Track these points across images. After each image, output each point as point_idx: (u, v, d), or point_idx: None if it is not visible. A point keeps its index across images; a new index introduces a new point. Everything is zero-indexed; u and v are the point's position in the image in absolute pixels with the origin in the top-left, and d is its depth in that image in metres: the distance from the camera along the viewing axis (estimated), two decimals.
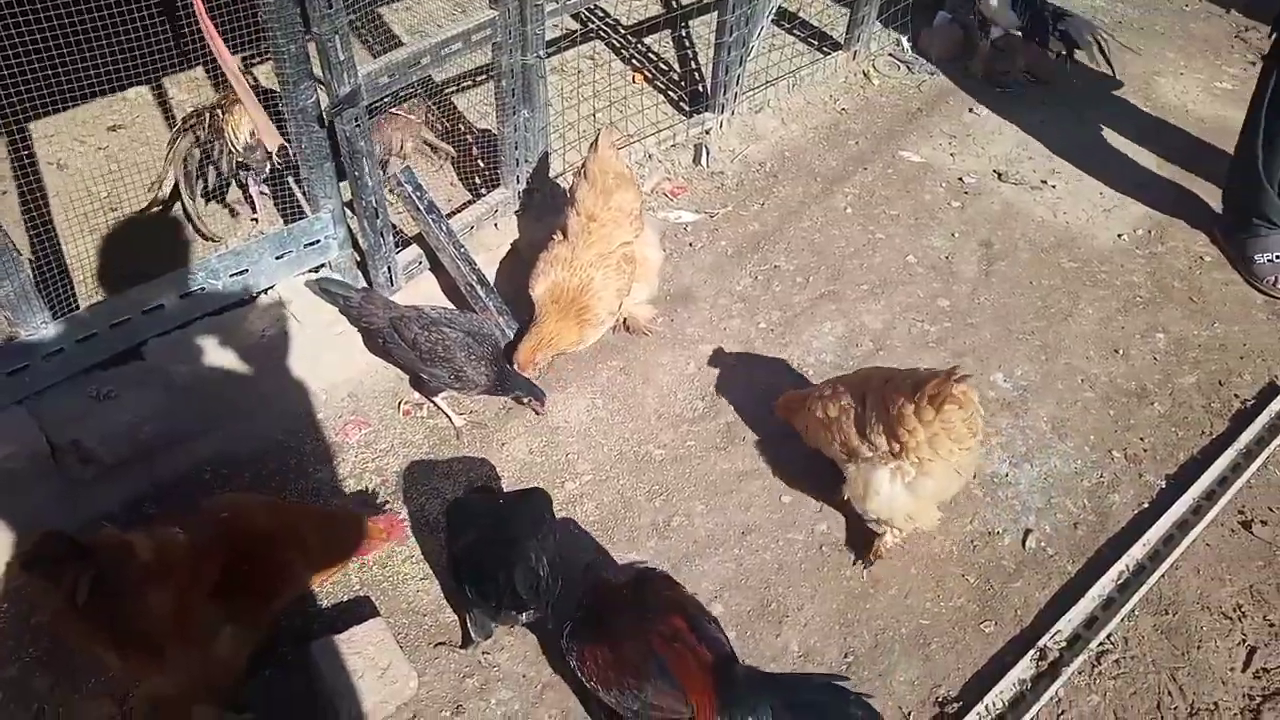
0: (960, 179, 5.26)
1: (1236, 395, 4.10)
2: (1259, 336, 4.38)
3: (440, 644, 3.17)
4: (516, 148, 4.37)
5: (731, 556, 3.46)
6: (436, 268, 4.25)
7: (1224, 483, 3.68)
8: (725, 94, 5.20)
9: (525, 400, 3.80)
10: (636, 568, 2.88)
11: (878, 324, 4.40)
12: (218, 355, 3.63)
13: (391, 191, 4.06)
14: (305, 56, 3.40)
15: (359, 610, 3.21)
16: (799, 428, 3.57)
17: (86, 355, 3.42)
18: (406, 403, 3.90)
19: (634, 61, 5.69)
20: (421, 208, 3.86)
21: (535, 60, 4.14)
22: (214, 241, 4.22)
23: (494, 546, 2.84)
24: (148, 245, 4.19)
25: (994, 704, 3.06)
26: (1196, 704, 3.07)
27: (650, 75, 5.63)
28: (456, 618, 3.22)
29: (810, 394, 3.51)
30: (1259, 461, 3.76)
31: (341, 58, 3.38)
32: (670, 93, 5.55)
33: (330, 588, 3.27)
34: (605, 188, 3.84)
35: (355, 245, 4.00)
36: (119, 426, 3.37)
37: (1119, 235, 4.94)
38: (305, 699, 2.89)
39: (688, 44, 5.86)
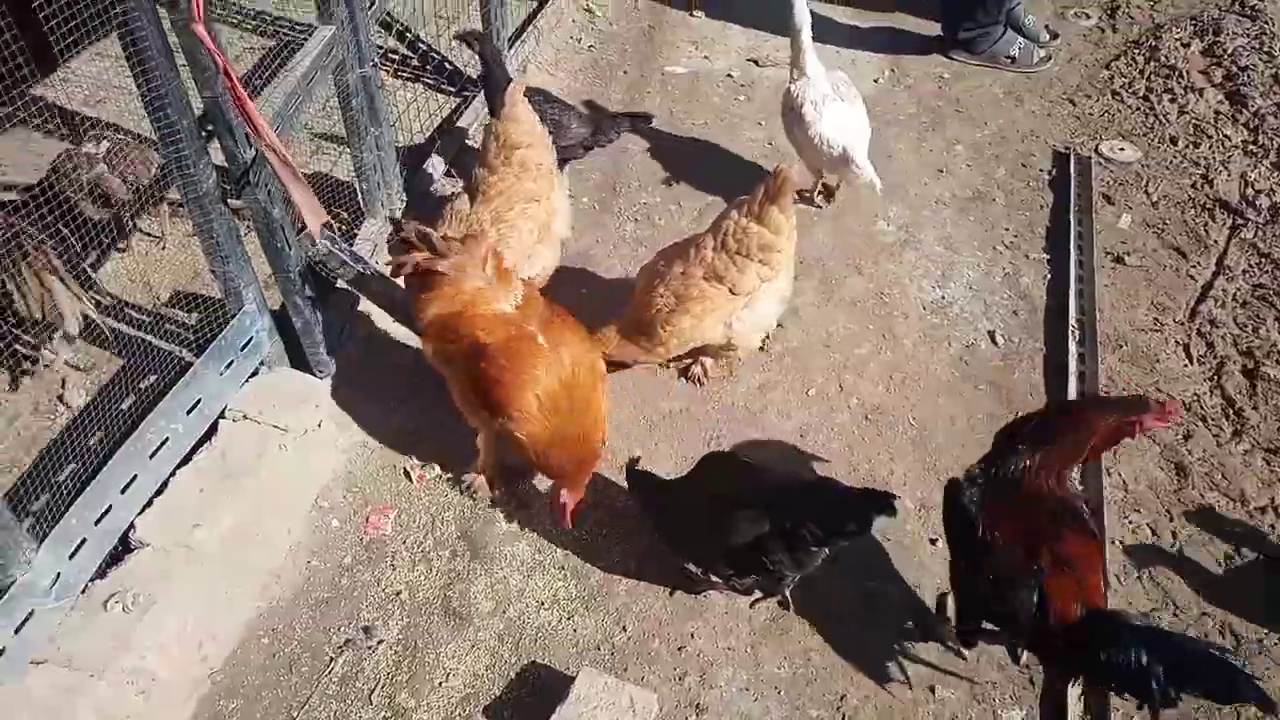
0: (729, 75, 5.62)
1: (1041, 170, 4.94)
2: (1023, 121, 5.26)
3: None
4: (377, 170, 3.97)
5: None
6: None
7: (1081, 237, 4.47)
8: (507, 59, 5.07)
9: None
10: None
11: None
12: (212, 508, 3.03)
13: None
14: (197, 129, 2.84)
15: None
16: (675, 340, 3.57)
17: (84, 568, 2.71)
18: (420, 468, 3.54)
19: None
20: (349, 259, 3.42)
21: (372, 71, 3.77)
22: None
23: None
24: None
25: None
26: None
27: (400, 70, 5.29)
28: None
29: (655, 305, 3.53)
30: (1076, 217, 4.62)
31: (236, 118, 2.87)
32: (425, 81, 5.28)
33: None
34: None
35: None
36: None
37: (875, 80, 5.60)
38: None
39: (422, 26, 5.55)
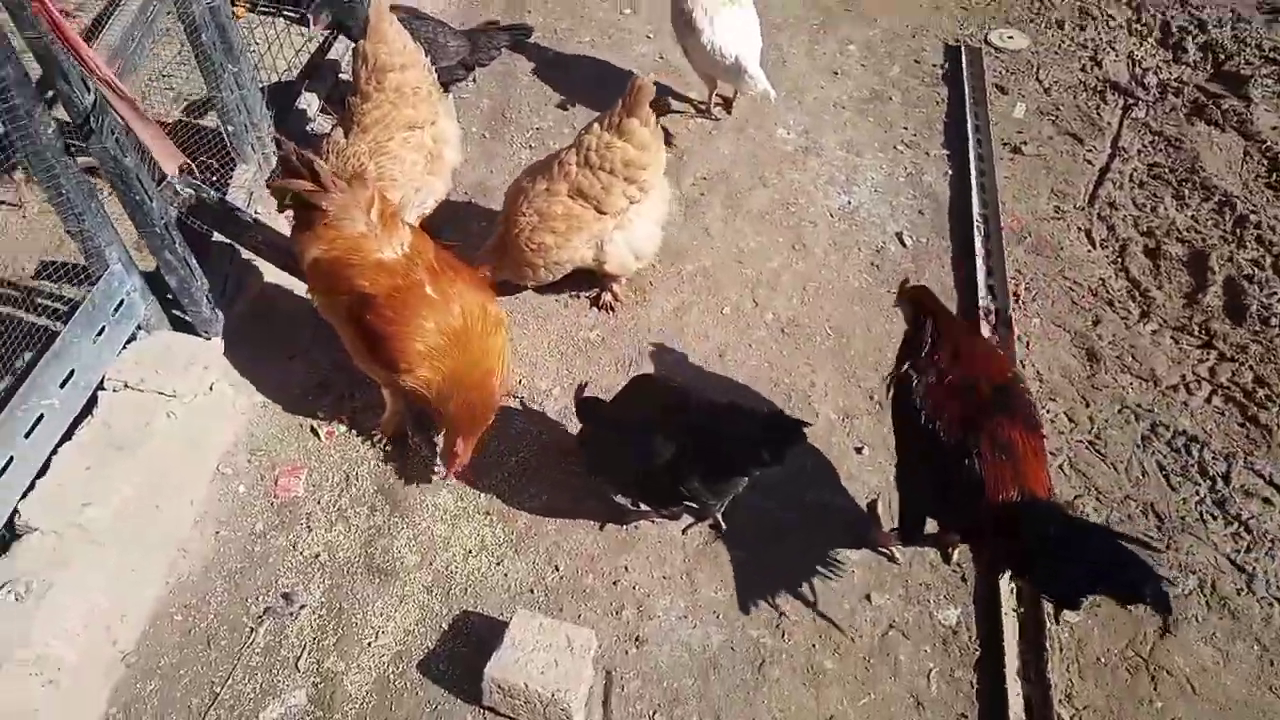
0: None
1: (934, 65, 4.89)
2: (913, 15, 5.18)
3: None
4: (241, 110, 3.66)
5: None
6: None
7: (978, 130, 4.45)
8: None
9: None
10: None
11: None
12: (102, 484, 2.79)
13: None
14: (27, 76, 2.53)
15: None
16: (541, 259, 3.47)
17: None
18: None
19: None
20: (220, 206, 3.15)
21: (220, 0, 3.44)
22: None
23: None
24: None
25: None
26: None
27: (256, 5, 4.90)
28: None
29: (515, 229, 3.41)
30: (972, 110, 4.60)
31: (71, 60, 2.57)
32: (286, 15, 4.90)
33: None
34: None
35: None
36: None
37: None
38: None
39: None
